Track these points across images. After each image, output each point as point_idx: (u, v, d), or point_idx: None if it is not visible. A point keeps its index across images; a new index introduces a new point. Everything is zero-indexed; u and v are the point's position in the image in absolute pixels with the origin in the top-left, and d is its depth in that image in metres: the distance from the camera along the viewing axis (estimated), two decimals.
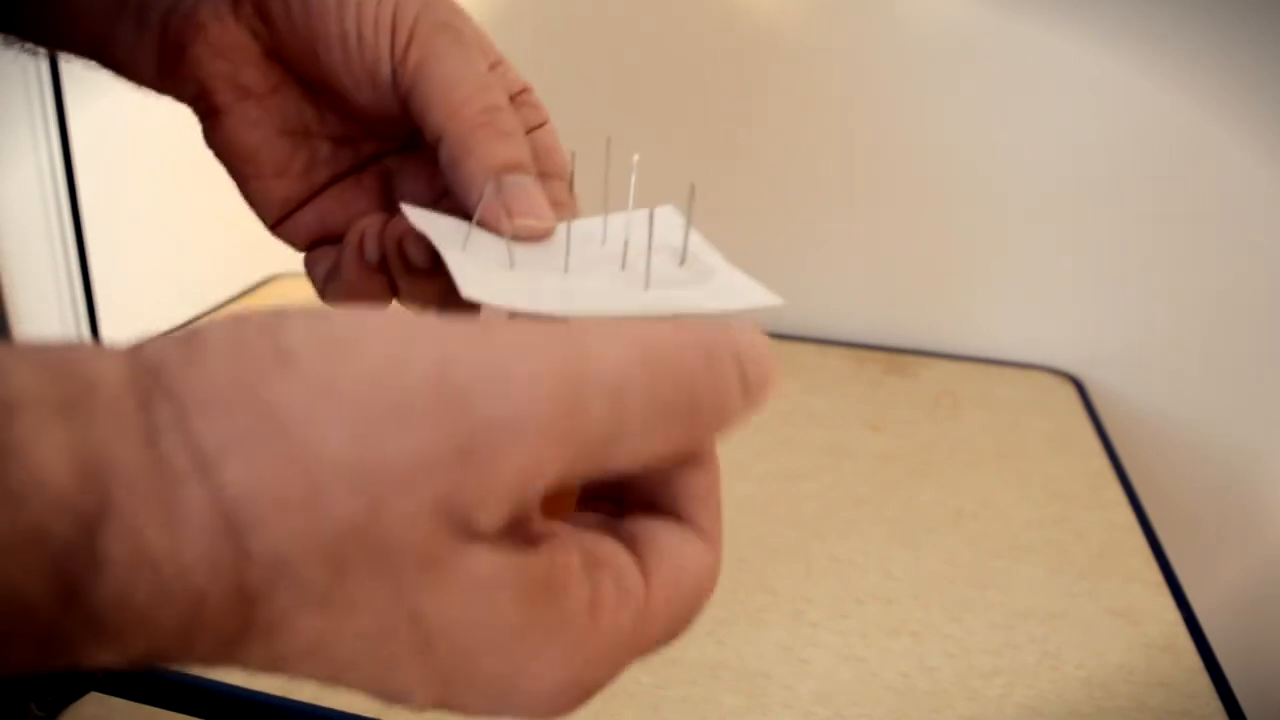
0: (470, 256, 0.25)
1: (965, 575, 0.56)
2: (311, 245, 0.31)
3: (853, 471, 0.67)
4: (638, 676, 0.47)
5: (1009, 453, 0.71)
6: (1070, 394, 0.83)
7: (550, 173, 0.30)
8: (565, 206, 0.29)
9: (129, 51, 0.30)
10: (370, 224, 0.29)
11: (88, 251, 1.08)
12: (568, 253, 0.26)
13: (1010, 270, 0.87)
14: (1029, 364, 0.88)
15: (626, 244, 0.27)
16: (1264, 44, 0.74)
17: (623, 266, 0.26)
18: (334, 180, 0.31)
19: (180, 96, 0.30)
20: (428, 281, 0.28)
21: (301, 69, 0.29)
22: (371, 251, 0.28)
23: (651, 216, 0.27)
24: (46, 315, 1.12)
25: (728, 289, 0.25)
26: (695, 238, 0.27)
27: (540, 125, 0.31)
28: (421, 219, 0.26)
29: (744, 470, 0.66)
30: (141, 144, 0.99)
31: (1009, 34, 0.78)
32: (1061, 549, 0.60)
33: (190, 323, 0.83)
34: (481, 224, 0.27)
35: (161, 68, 0.30)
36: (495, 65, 0.30)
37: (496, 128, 0.27)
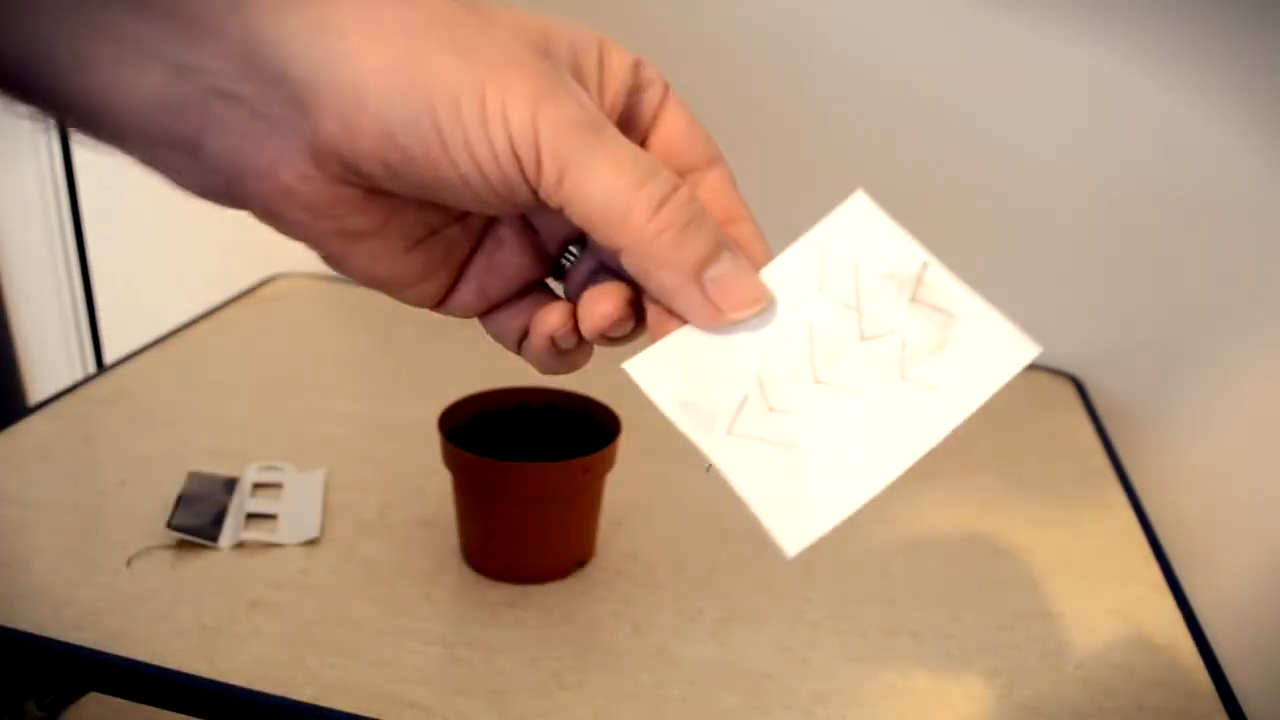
0: (716, 415, 0.25)
1: (965, 575, 0.56)
2: (483, 314, 0.31)
3: None
4: (638, 677, 0.47)
5: (1009, 453, 0.71)
6: (1070, 394, 0.83)
7: (733, 216, 0.29)
8: (757, 245, 0.29)
9: (187, 176, 0.27)
10: (555, 321, 0.28)
11: (88, 252, 1.08)
12: (814, 362, 0.25)
13: (1010, 270, 0.87)
14: (1029, 364, 0.88)
15: (859, 295, 0.26)
16: (1266, 45, 0.74)
17: (860, 335, 0.25)
18: (475, 250, 0.30)
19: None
20: (623, 338, 0.29)
21: (417, 197, 0.27)
22: (568, 343, 0.29)
23: (848, 222, 0.26)
24: (47, 315, 1.12)
25: (981, 356, 0.25)
26: (905, 243, 0.26)
27: (662, 103, 0.29)
28: (647, 377, 0.26)
29: None
30: None
31: (1009, 34, 0.78)
32: (1061, 549, 0.60)
33: (190, 323, 0.83)
34: (694, 324, 0.27)
35: (251, 212, 0.27)
36: (602, 60, 0.27)
37: (676, 227, 0.25)
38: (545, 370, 0.31)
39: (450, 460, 0.52)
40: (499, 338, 0.31)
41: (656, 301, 0.28)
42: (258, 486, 0.60)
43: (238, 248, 0.94)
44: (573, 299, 0.30)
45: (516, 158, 0.24)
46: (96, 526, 0.55)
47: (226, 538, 0.55)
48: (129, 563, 0.52)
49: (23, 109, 0.26)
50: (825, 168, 0.86)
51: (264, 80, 0.24)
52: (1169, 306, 0.84)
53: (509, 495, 0.51)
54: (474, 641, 0.48)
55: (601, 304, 0.28)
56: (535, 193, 0.25)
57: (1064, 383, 0.85)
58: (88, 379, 0.73)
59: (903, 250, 0.27)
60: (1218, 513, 0.89)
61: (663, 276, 0.25)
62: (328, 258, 0.28)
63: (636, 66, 0.28)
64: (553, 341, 0.29)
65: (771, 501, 0.24)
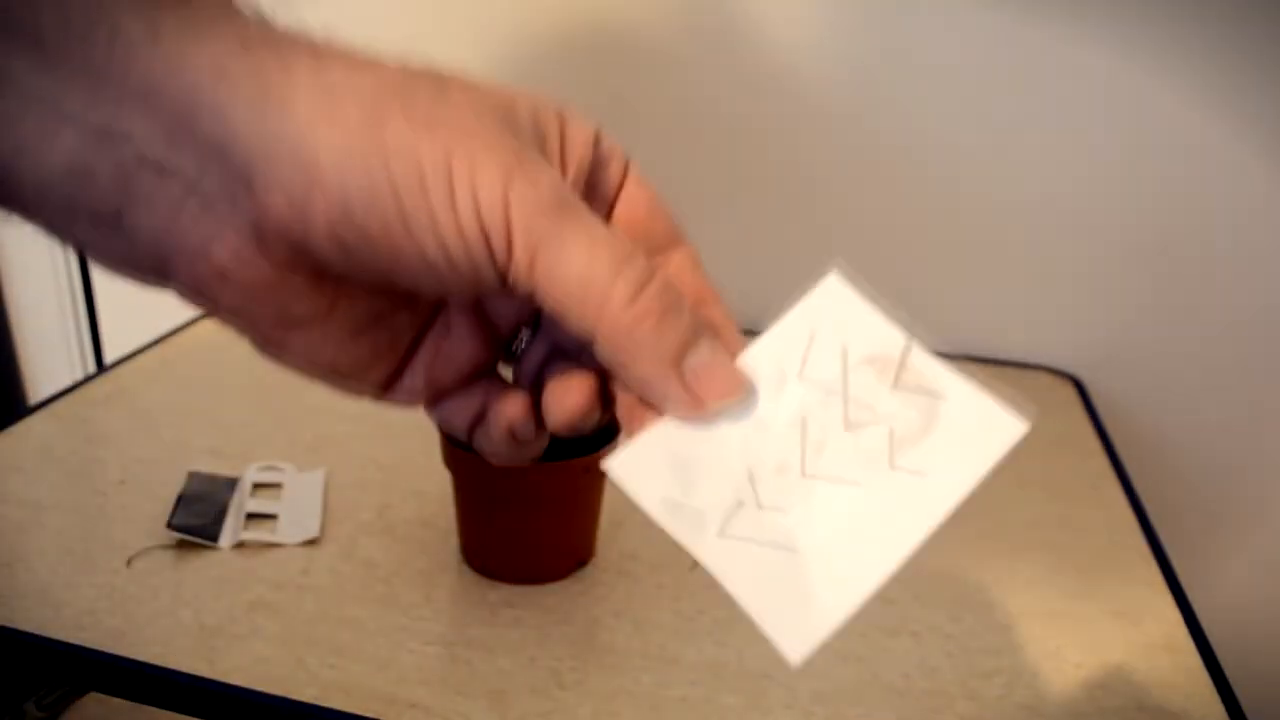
0: (705, 515, 0.24)
1: (965, 575, 0.56)
2: (431, 404, 0.28)
3: None
4: (638, 677, 0.47)
5: (1009, 453, 0.71)
6: (1070, 394, 0.83)
7: (703, 299, 0.27)
8: (731, 331, 0.27)
9: (105, 252, 0.24)
10: (514, 412, 0.27)
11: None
12: (802, 454, 0.24)
13: (1010, 270, 0.87)
14: (1029, 364, 0.88)
15: (841, 381, 0.25)
16: (1267, 46, 0.74)
17: (845, 423, 0.25)
18: (421, 336, 0.27)
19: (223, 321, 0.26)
20: (588, 428, 0.27)
21: (370, 280, 0.24)
22: (526, 433, 0.27)
23: (823, 303, 0.26)
24: (47, 315, 1.12)
25: (969, 438, 0.24)
26: (884, 325, 0.26)
27: (622, 181, 0.27)
28: (629, 477, 0.25)
29: None
30: None
31: (1010, 34, 0.78)
32: (1061, 549, 0.60)
33: (190, 323, 0.83)
34: (673, 415, 0.25)
35: (179, 293, 0.25)
36: (564, 128, 0.25)
37: (655, 315, 0.23)
38: (501, 461, 0.29)
39: (450, 460, 0.52)
40: (448, 425, 0.29)
41: (627, 389, 0.26)
42: (258, 486, 0.60)
43: None
44: (525, 384, 0.29)
45: (485, 237, 0.22)
46: (96, 526, 0.55)
47: (226, 538, 0.55)
48: (129, 563, 0.52)
49: None
50: (825, 167, 0.86)
51: (200, 151, 0.22)
52: (1169, 306, 0.84)
53: (509, 495, 0.51)
54: (474, 641, 0.48)
55: (569, 396, 0.26)
56: (503, 276, 0.23)
57: (1064, 383, 0.85)
58: (88, 379, 0.73)
59: (883, 333, 0.26)
60: (1218, 513, 0.89)
61: (640, 367, 0.24)
62: (263, 344, 0.25)
63: (597, 139, 0.26)
64: (512, 433, 0.28)
65: (770, 608, 0.24)
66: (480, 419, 0.28)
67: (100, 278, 1.09)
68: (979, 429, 0.24)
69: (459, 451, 0.50)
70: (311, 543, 0.55)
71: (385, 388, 0.27)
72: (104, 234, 0.23)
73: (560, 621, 0.50)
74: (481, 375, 0.29)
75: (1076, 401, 0.82)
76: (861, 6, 0.80)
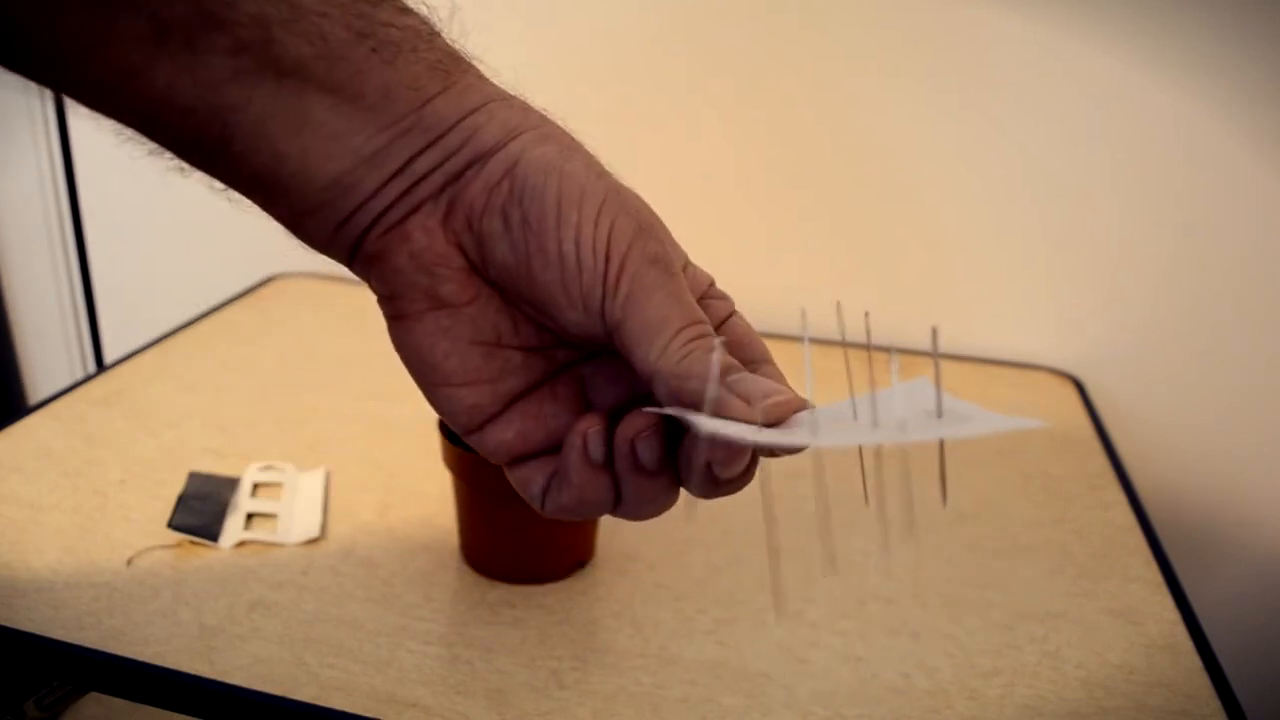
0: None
1: (965, 575, 0.56)
2: (512, 461, 0.30)
3: (853, 471, 0.67)
4: (638, 677, 0.47)
5: (1009, 453, 0.71)
6: (1070, 394, 0.83)
7: (757, 358, 0.30)
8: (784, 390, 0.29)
9: (313, 233, 0.28)
10: (592, 424, 0.28)
11: (88, 252, 1.08)
12: (815, 423, 0.26)
13: (1010, 270, 0.87)
14: (1029, 364, 0.88)
15: (874, 401, 0.27)
16: (1267, 44, 0.74)
17: (875, 424, 0.27)
18: (527, 390, 0.30)
19: (367, 283, 0.29)
20: (654, 481, 0.28)
21: (507, 282, 0.28)
22: (596, 451, 0.28)
23: (905, 389, 0.27)
24: (47, 315, 1.12)
25: (982, 419, 0.26)
26: (952, 401, 0.27)
27: (730, 316, 0.31)
28: (660, 410, 0.27)
29: None
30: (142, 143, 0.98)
31: (1009, 33, 0.78)
32: (1061, 549, 0.60)
33: (190, 323, 0.83)
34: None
35: (353, 261, 0.29)
36: (685, 267, 0.30)
37: (703, 350, 0.27)
38: (555, 507, 0.30)
39: (450, 460, 0.52)
40: (523, 486, 0.31)
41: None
42: (258, 486, 0.60)
43: (238, 248, 0.94)
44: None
45: (606, 259, 0.27)
46: (96, 526, 0.55)
47: (227, 538, 0.55)
48: (129, 563, 0.52)
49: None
50: (825, 166, 0.86)
51: (444, 151, 0.28)
52: (1169, 307, 0.84)
53: (509, 495, 0.51)
54: (474, 641, 0.48)
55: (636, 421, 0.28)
56: (604, 297, 0.27)
57: (1064, 383, 0.85)
58: (88, 379, 0.73)
59: (930, 393, 0.28)
60: (1218, 513, 0.89)
61: (692, 385, 0.26)
62: (399, 317, 0.29)
63: (712, 283, 0.31)
64: (585, 445, 0.28)
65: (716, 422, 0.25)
66: (549, 486, 0.30)
67: (100, 278, 1.09)
68: (991, 419, 0.26)
69: (459, 451, 0.50)
70: (311, 543, 0.55)
71: (474, 423, 0.30)
72: (329, 226, 0.28)
73: (560, 621, 0.50)
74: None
75: (1076, 401, 0.82)
76: (866, 7, 0.80)
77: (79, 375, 1.12)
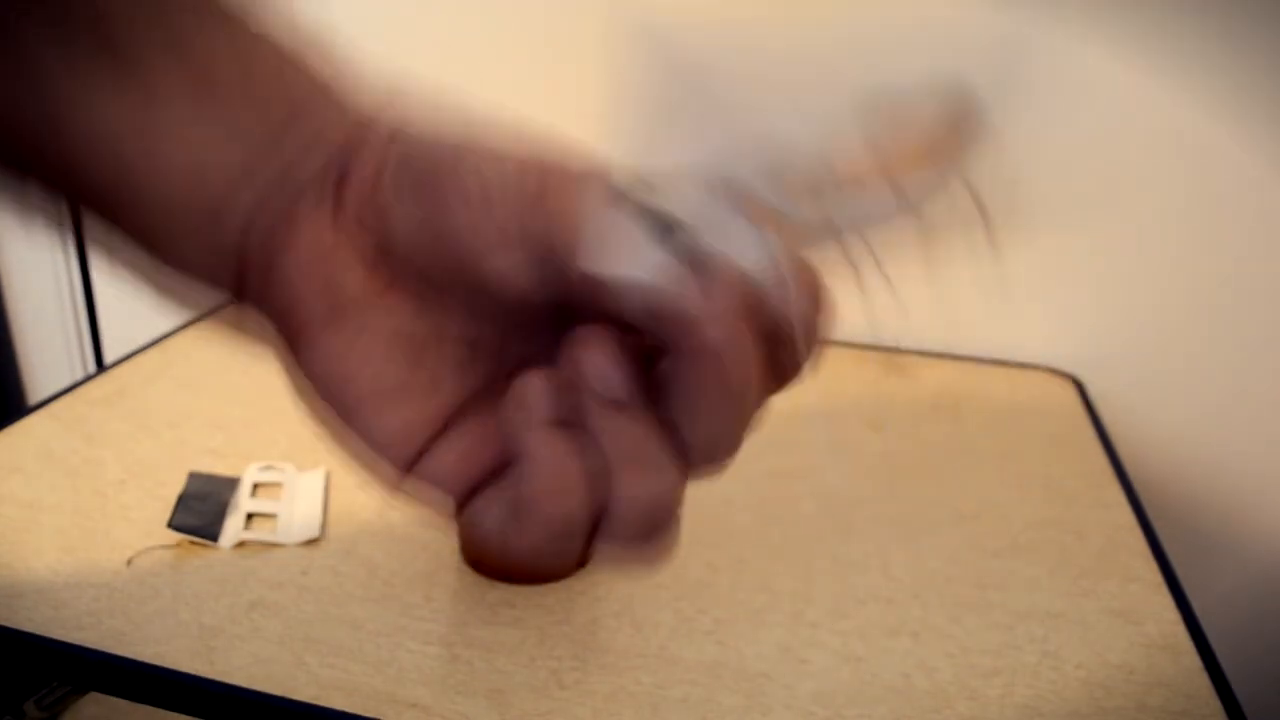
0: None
1: (965, 575, 0.56)
2: (464, 497, 0.25)
3: (852, 471, 0.67)
4: (638, 676, 0.47)
5: (1009, 453, 0.71)
6: (1070, 394, 0.83)
7: None
8: None
9: (190, 258, 0.25)
10: (533, 377, 0.22)
11: (88, 252, 1.07)
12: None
13: (1010, 270, 0.87)
14: (1029, 364, 0.88)
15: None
16: (1267, 44, 0.74)
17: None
18: (466, 402, 0.25)
19: (255, 310, 0.25)
20: (634, 422, 0.22)
21: (417, 251, 0.23)
22: (539, 402, 0.22)
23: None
24: (47, 315, 1.12)
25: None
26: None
27: None
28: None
29: (743, 470, 0.65)
30: None
31: (1009, 33, 0.78)
32: (1061, 549, 0.60)
33: (190, 323, 0.83)
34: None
35: (240, 286, 0.25)
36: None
37: None
38: (544, 559, 0.25)
39: None
40: (476, 522, 0.25)
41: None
42: (258, 486, 0.60)
43: None
44: None
45: (518, 173, 0.22)
46: (96, 526, 0.55)
47: (227, 538, 0.55)
48: (129, 563, 0.52)
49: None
50: None
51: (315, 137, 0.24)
52: (1169, 307, 0.84)
53: None
54: (474, 641, 0.48)
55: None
56: (524, 218, 0.22)
57: (1064, 383, 0.85)
58: (88, 379, 0.73)
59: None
60: (1218, 513, 0.89)
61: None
62: (297, 333, 0.25)
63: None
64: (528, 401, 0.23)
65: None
66: (518, 509, 0.23)
67: (100, 278, 1.09)
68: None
69: None
70: (311, 543, 0.55)
71: (414, 449, 0.25)
72: (208, 232, 0.24)
73: (560, 621, 0.50)
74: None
75: (1076, 401, 0.82)
76: (872, 10, 0.80)
77: (79, 375, 1.12)
